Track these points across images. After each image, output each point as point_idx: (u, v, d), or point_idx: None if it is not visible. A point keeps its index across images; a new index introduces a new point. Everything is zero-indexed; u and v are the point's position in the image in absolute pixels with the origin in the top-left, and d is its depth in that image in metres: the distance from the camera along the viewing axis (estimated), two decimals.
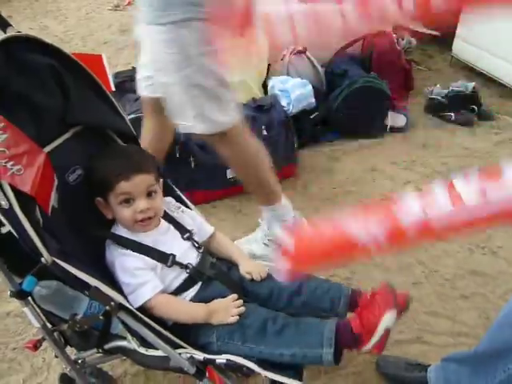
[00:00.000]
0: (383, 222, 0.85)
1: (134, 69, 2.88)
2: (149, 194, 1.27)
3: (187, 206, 1.48)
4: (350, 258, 0.96)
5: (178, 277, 1.28)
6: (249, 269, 1.36)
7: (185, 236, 1.34)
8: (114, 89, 1.59)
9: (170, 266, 1.26)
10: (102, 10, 4.67)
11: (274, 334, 1.19)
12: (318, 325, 1.21)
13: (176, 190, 1.49)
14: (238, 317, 1.22)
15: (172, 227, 1.34)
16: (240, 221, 2.24)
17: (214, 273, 1.32)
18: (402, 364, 1.55)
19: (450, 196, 0.82)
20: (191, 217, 1.42)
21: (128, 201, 1.25)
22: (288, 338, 1.19)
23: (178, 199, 1.47)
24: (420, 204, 0.84)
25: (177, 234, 1.34)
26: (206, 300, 1.26)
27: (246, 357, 1.19)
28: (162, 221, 1.34)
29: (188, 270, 1.29)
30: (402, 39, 3.23)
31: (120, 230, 1.29)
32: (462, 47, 3.33)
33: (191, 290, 1.29)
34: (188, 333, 1.24)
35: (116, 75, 2.75)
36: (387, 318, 1.14)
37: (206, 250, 1.40)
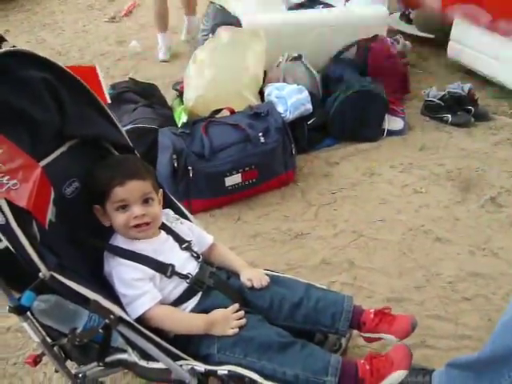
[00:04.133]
0: None
1: (130, 80, 2.90)
2: (145, 201, 1.26)
3: (186, 218, 1.48)
4: None
5: (177, 287, 1.28)
6: (250, 276, 1.35)
7: (183, 246, 1.34)
8: (109, 101, 1.58)
9: (169, 277, 1.26)
10: (98, 22, 4.69)
11: (277, 350, 1.18)
12: (325, 352, 1.22)
13: (175, 201, 1.49)
14: (237, 329, 1.21)
15: (171, 238, 1.34)
16: (239, 229, 2.23)
17: (213, 282, 1.32)
18: None
19: None
20: (190, 228, 1.42)
21: (124, 207, 1.25)
22: (292, 357, 1.18)
23: (177, 211, 1.46)
24: None
25: (175, 244, 1.33)
26: (207, 310, 1.25)
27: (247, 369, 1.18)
28: (162, 232, 1.33)
29: (188, 280, 1.28)
30: (398, 42, 3.23)
31: (118, 241, 1.29)
32: (456, 49, 3.34)
33: (191, 300, 1.28)
34: (189, 344, 1.24)
35: (113, 86, 2.75)
36: (396, 376, 1.17)
37: (205, 259, 1.39)
